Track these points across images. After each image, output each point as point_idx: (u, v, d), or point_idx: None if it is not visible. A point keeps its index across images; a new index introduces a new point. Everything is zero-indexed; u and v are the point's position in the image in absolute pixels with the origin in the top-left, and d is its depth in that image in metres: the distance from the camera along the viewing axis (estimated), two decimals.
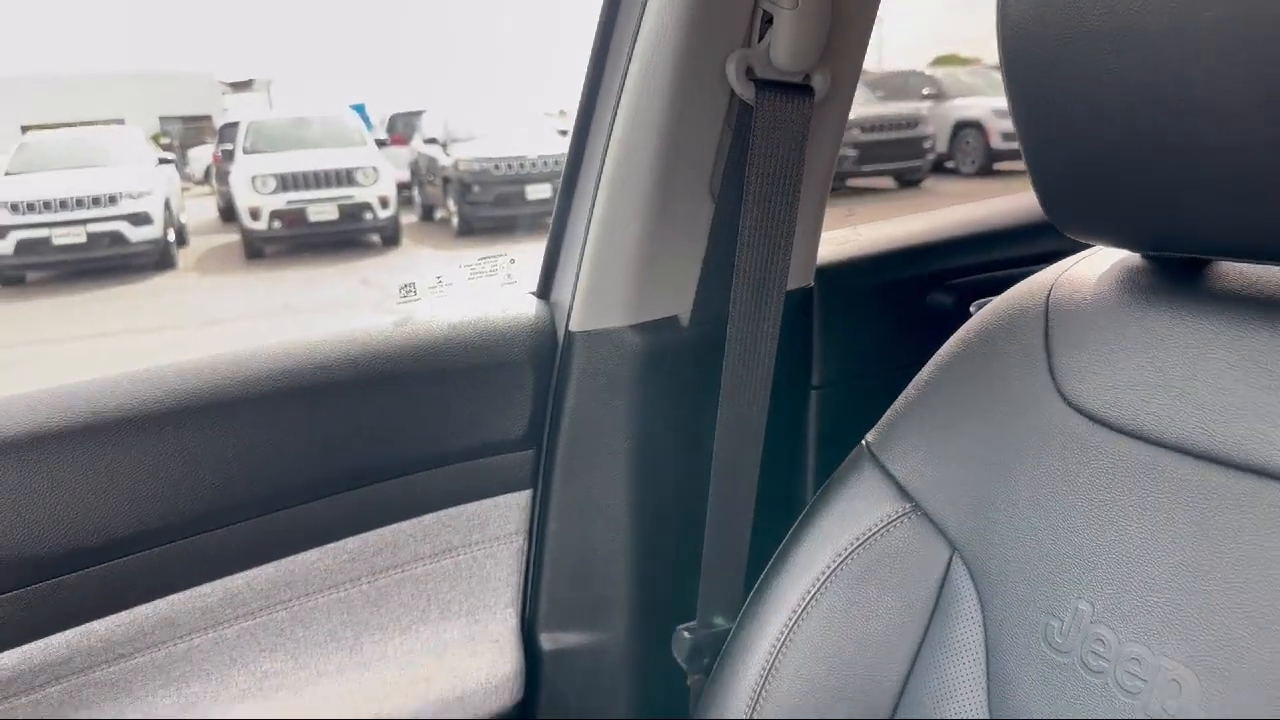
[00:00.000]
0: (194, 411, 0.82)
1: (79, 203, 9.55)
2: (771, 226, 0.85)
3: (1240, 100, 0.49)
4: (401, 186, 11.77)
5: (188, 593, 0.84)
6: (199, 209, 13.86)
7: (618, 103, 0.87)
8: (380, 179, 10.35)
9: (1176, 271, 0.67)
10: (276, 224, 9.93)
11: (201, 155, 19.51)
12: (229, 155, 11.66)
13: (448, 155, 10.98)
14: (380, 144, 11.94)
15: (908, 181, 11.95)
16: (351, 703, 0.89)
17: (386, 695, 0.90)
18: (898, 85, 14.37)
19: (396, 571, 0.92)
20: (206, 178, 17.34)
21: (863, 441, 0.82)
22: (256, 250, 10.24)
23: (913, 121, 11.69)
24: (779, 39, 0.81)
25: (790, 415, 1.02)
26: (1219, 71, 0.49)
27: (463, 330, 0.94)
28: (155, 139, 19.05)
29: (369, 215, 10.18)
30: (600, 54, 0.90)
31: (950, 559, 0.74)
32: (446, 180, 11.11)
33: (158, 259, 9.92)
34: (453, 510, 0.93)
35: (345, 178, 10.22)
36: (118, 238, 9.58)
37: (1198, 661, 0.57)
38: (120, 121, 17.87)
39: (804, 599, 0.78)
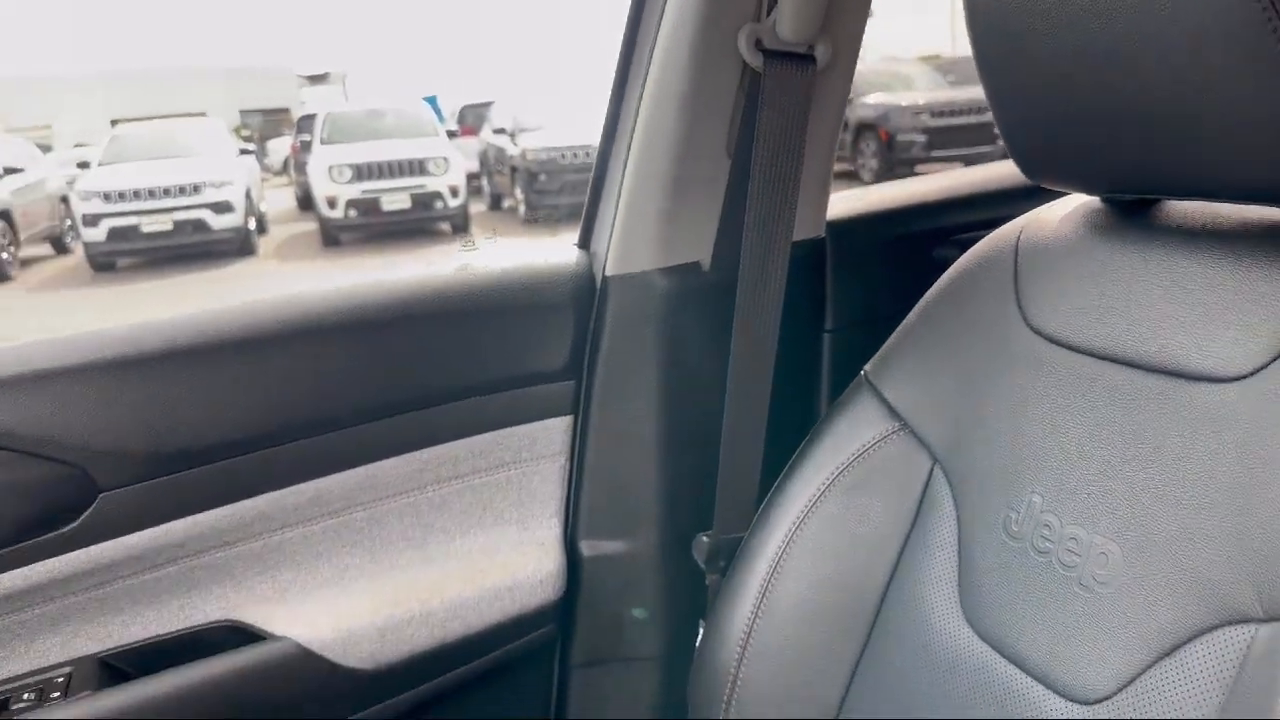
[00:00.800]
0: (293, 337, 0.98)
1: (165, 192, 9.99)
2: (779, 181, 0.97)
3: (1176, 63, 0.60)
4: (471, 176, 12.03)
5: (282, 492, 0.99)
6: (278, 199, 14.33)
7: (646, 71, 1.00)
8: (451, 169, 10.61)
9: (1127, 211, 0.78)
10: (352, 212, 10.27)
11: (280, 147, 20.09)
12: (307, 146, 12.04)
13: (515, 145, 11.20)
14: (451, 135, 12.20)
15: None
16: (417, 591, 1.04)
17: (447, 586, 1.05)
18: (970, 70, 14.13)
19: (457, 482, 1.07)
20: (285, 168, 17.86)
21: (862, 371, 0.93)
22: (333, 238, 10.59)
23: (984, 107, 11.49)
24: (783, 13, 0.93)
25: (804, 354, 1.14)
26: (1158, 38, 0.60)
27: (514, 275, 1.08)
28: (236, 131, 19.68)
29: (440, 204, 10.46)
30: (632, 26, 1.03)
31: (932, 469, 0.86)
32: (514, 169, 11.33)
33: (239, 246, 10.33)
34: (505, 431, 1.08)
35: (417, 168, 10.51)
36: (201, 225, 10.00)
37: (1122, 536, 0.69)
38: (202, 114, 18.52)
39: (807, 505, 0.90)
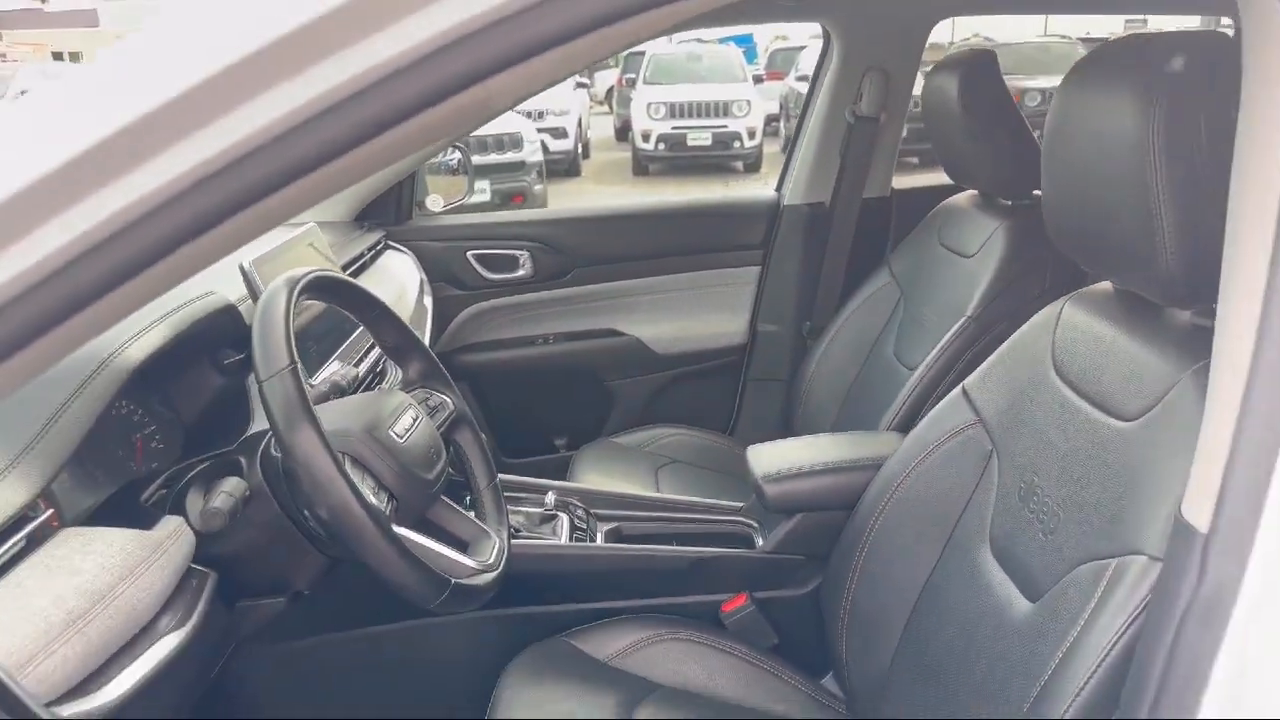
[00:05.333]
0: (646, 217, 2.44)
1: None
2: (857, 169, 2.29)
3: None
4: (770, 119, 13.08)
5: (630, 281, 2.46)
6: (598, 126, 16.13)
7: (811, 118, 2.34)
8: (751, 112, 11.80)
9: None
10: (661, 146, 11.76)
11: (605, 77, 22.19)
12: (631, 83, 13.68)
13: None
14: (757, 80, 13.32)
15: None
16: (685, 329, 2.48)
17: (693, 328, 2.48)
18: None
19: (704, 290, 2.50)
20: (607, 98, 19.82)
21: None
22: (642, 167, 12.18)
23: None
24: (864, 100, 2.24)
25: (876, 258, 2.43)
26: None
27: (747, 200, 2.49)
28: None
29: (737, 144, 11.73)
30: (809, 98, 2.37)
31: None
32: None
33: (567, 167, 12.10)
34: (731, 270, 2.48)
35: (722, 110, 11.79)
36: (541, 147, 11.89)
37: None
38: None
39: (844, 320, 2.22)
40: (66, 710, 0.81)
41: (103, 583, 0.88)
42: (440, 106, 0.51)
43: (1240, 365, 0.66)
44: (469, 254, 2.37)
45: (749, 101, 11.82)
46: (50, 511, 0.93)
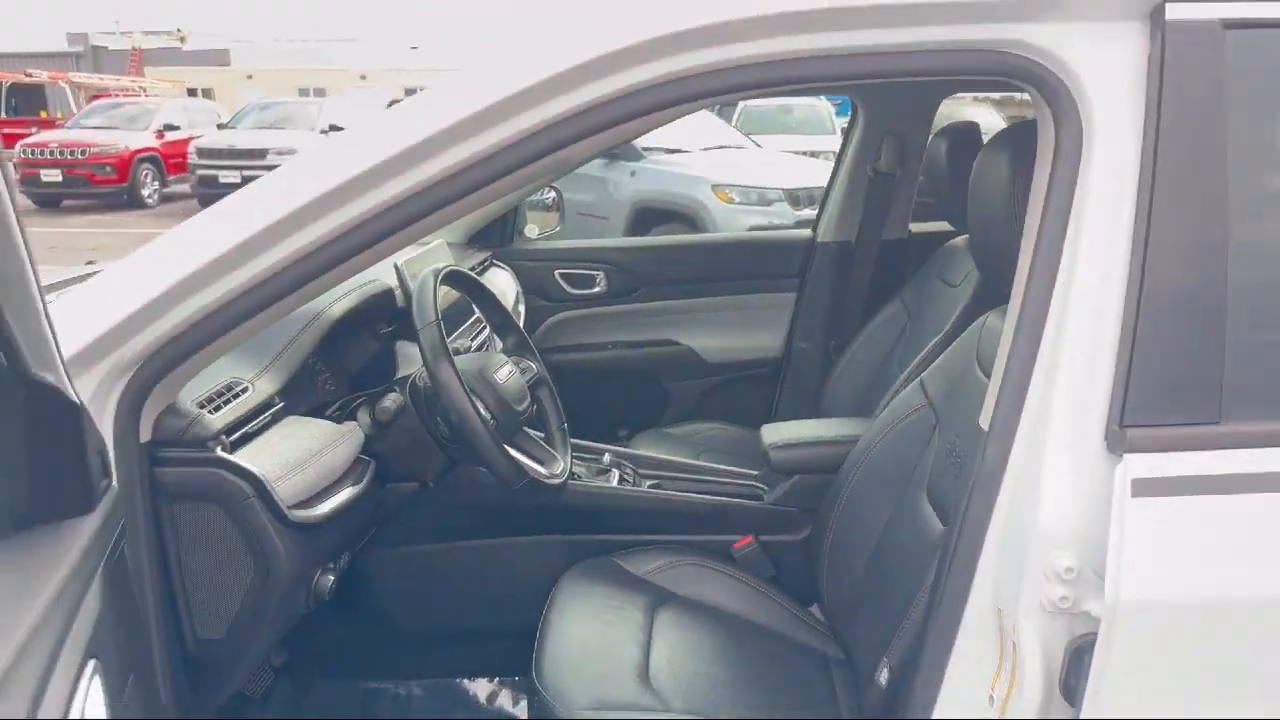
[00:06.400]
0: (698, 247, 2.95)
1: None
2: (877, 216, 2.76)
3: None
4: None
5: (682, 300, 2.97)
6: None
7: (839, 174, 2.83)
8: None
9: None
10: None
11: None
12: None
13: None
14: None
15: None
16: (726, 340, 2.97)
17: (736, 338, 2.97)
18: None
19: (743, 309, 2.98)
20: None
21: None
22: None
23: None
24: (881, 160, 2.72)
25: (892, 289, 2.87)
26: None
27: (788, 235, 2.98)
28: None
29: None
30: (840, 155, 2.86)
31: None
32: None
33: None
34: (772, 294, 2.97)
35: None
36: None
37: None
38: None
39: (865, 338, 2.68)
40: (295, 514, 1.34)
41: (314, 447, 1.41)
42: (529, 166, 1.04)
43: (1011, 321, 1.14)
44: (556, 272, 2.92)
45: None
46: (282, 404, 1.47)
